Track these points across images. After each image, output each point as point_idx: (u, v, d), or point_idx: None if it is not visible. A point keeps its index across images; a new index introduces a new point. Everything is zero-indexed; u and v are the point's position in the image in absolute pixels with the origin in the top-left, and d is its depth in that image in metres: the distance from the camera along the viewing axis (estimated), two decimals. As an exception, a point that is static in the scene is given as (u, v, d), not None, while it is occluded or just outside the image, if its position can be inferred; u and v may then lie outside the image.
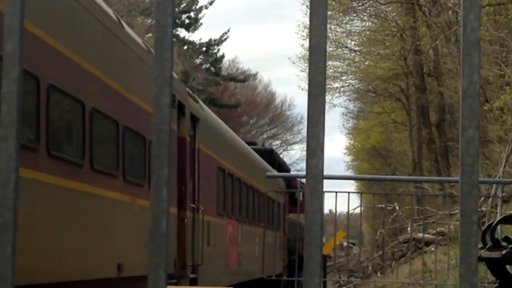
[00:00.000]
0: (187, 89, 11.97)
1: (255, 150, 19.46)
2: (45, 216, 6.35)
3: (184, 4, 41.20)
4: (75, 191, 6.90)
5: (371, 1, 30.55)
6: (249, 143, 20.40)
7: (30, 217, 5.93)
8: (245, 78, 49.42)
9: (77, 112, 7.10)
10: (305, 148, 1.33)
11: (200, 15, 42.32)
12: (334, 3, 28.44)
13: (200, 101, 13.26)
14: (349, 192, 10.52)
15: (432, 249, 15.93)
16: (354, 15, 32.25)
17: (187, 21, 41.71)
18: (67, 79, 6.84)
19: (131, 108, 8.54)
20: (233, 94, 50.93)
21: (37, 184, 6.10)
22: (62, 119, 7.02)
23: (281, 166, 23.09)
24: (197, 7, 42.00)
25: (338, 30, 32.81)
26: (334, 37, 32.26)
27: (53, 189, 6.45)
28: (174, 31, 1.34)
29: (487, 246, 5.96)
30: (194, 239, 11.07)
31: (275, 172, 17.68)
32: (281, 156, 34.99)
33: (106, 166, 7.89)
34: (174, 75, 11.80)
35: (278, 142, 56.95)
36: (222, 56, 45.10)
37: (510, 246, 5.66)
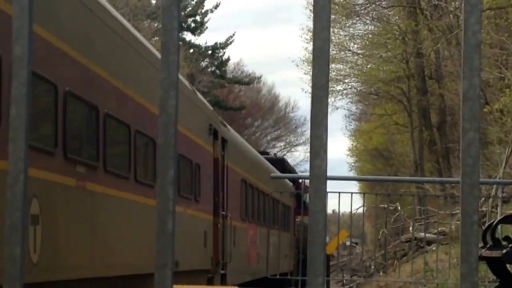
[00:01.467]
0: (220, 117, 14.35)
1: (267, 159, 20.65)
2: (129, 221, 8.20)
3: (190, 8, 41.24)
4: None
5: (374, 5, 30.52)
6: (262, 153, 22.13)
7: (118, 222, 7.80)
8: (249, 81, 49.38)
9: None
10: (308, 150, 1.33)
11: (205, 19, 42.36)
12: (337, 7, 28.53)
13: (228, 125, 15.21)
14: (352, 193, 10.70)
15: (434, 248, 15.86)
16: (357, 18, 32.34)
17: (193, 24, 41.75)
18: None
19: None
20: (238, 97, 50.90)
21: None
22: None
23: (291, 172, 23.55)
24: (203, 10, 42.06)
25: (341, 33, 32.94)
26: (338, 40, 32.41)
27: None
28: (180, 34, 1.34)
29: (488, 246, 5.94)
30: (224, 240, 13.05)
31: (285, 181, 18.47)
32: (285, 157, 35.31)
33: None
34: (209, 106, 13.49)
35: (282, 143, 56.90)
36: (227, 59, 45.14)
37: (510, 245, 5.64)
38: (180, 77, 10.37)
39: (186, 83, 11.93)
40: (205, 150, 11.89)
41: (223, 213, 13.06)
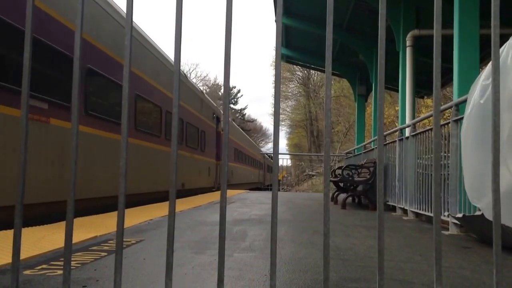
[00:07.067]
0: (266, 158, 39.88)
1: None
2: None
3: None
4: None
5: (292, 94, 60.10)
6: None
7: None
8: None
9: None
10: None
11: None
12: (283, 90, 55.06)
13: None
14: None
15: (315, 177, 39.33)
16: (289, 98, 61.35)
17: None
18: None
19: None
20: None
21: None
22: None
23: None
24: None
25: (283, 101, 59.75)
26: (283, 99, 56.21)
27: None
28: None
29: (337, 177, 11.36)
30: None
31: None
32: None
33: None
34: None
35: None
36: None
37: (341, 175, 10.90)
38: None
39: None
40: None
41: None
